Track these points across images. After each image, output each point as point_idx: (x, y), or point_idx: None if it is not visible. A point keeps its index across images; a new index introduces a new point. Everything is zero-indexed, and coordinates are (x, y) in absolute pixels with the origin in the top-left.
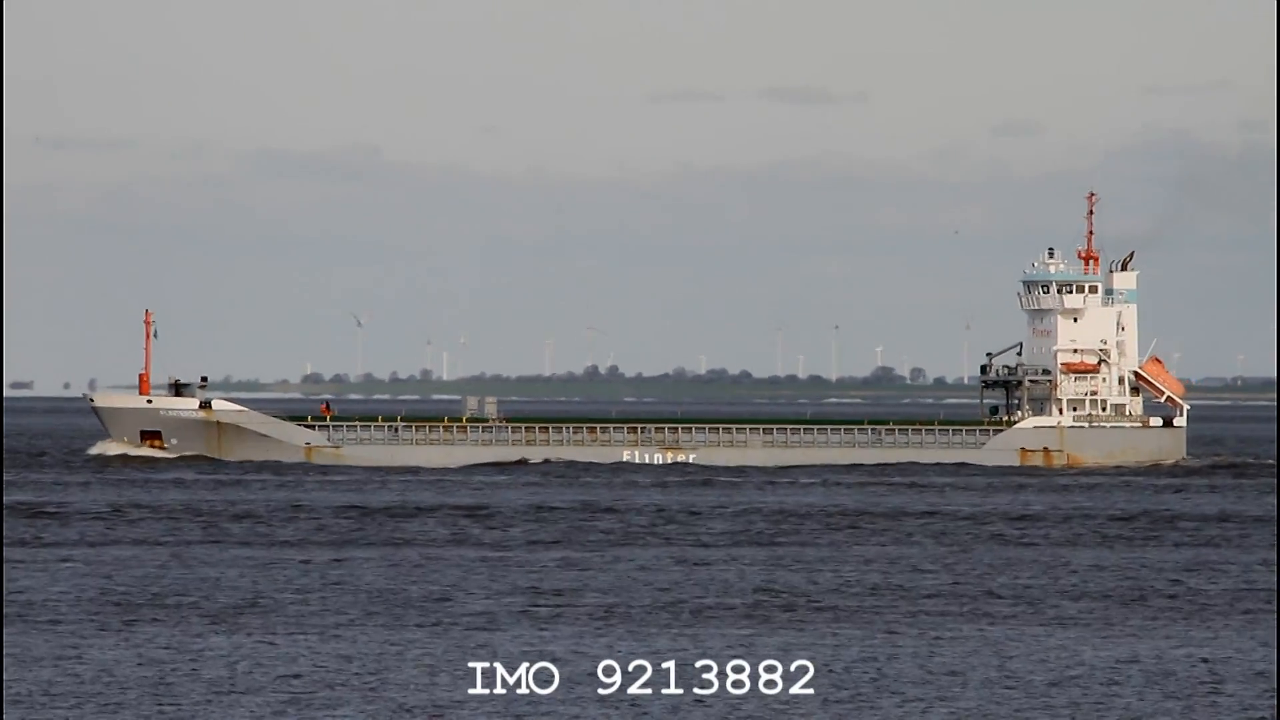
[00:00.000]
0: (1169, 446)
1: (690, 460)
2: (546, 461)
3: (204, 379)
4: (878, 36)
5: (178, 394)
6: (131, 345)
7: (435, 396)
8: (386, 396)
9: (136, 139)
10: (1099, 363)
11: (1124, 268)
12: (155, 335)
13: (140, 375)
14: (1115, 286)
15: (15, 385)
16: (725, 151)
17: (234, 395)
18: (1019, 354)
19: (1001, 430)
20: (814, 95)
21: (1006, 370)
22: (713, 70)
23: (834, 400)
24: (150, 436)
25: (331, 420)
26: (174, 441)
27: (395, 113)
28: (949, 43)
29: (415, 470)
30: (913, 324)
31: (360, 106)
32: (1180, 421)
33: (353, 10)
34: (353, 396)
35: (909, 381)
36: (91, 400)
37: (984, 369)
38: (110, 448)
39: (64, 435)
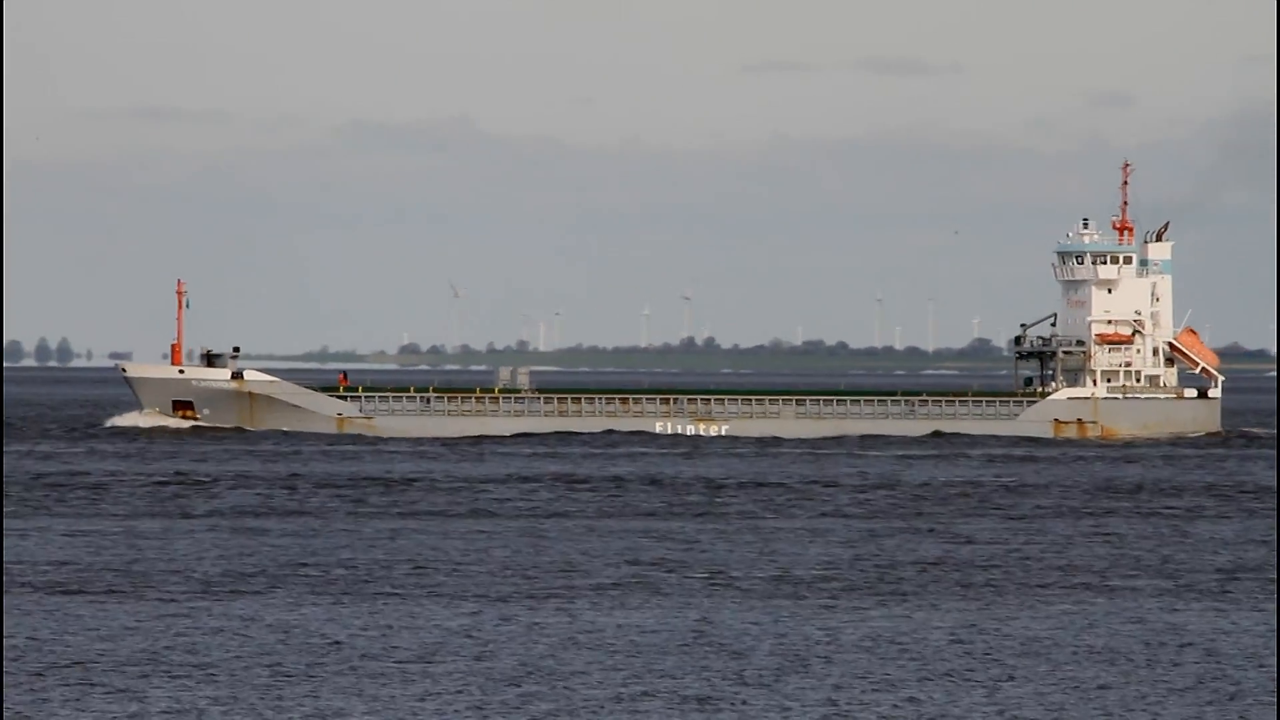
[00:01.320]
0: (1203, 418)
1: (723, 432)
2: (609, 433)
3: (236, 349)
4: (973, 6)
5: (209, 365)
6: (227, 316)
7: (533, 368)
8: (484, 367)
9: (231, 112)
10: (1133, 334)
11: (1159, 238)
12: (187, 305)
13: (172, 346)
14: (1150, 257)
15: (114, 355)
16: (820, 122)
17: (331, 366)
18: (1053, 325)
19: (1035, 401)
20: (909, 66)
21: (1041, 341)
22: (807, 41)
23: (930, 372)
24: (182, 407)
25: (364, 391)
26: (206, 412)
27: (489, 84)
28: (1044, 12)
29: (478, 439)
30: (1010, 295)
31: (454, 78)
32: (1215, 393)
33: None
34: (450, 367)
35: (1006, 353)
36: (124, 370)
37: (1018, 340)
38: (139, 419)
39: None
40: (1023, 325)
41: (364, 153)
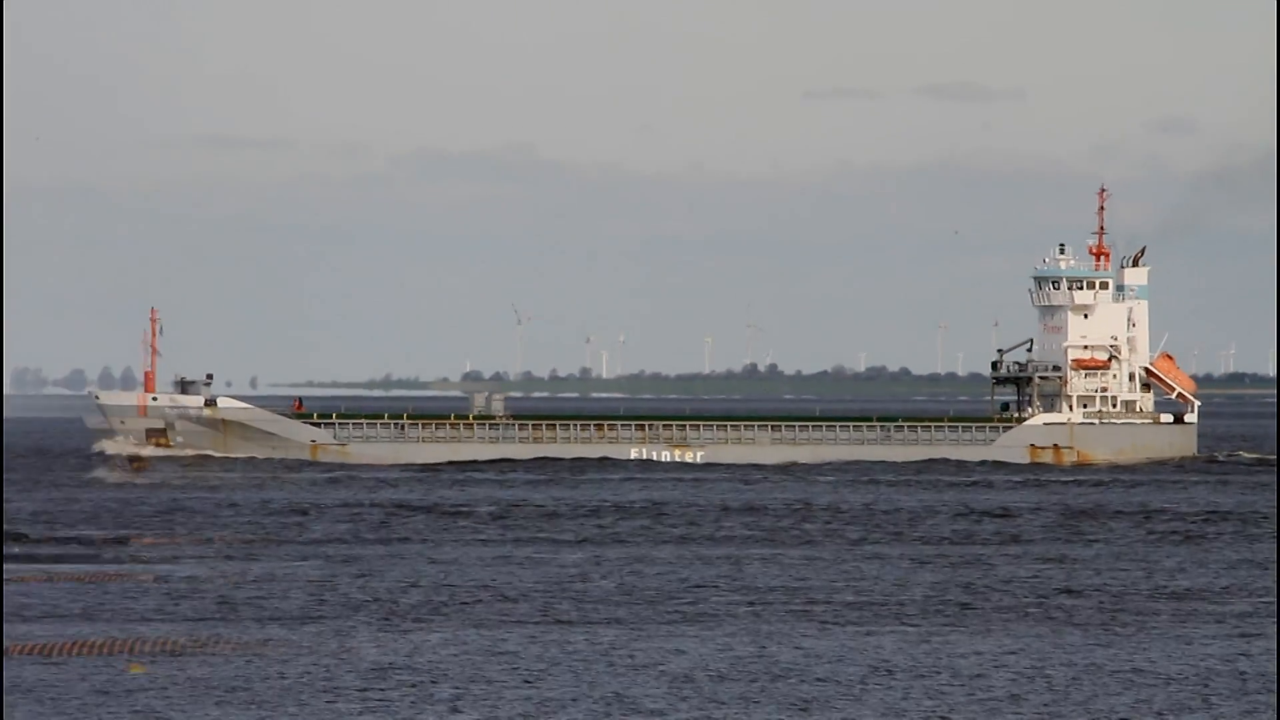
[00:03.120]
0: (1180, 443)
1: (698, 458)
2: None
3: (209, 376)
4: (1034, 32)
5: (183, 392)
6: (291, 343)
7: (595, 395)
8: (545, 394)
9: (295, 140)
10: (1109, 359)
11: (1135, 264)
12: (161, 332)
13: (145, 373)
14: (1126, 282)
15: (178, 382)
16: (882, 149)
17: (395, 394)
18: (1029, 350)
19: (1011, 427)
20: (971, 92)
21: (1017, 366)
22: (869, 68)
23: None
24: (156, 434)
25: (339, 418)
26: (180, 439)
27: (551, 112)
28: (1106, 37)
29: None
30: None
31: (517, 106)
32: (1191, 418)
33: (509, 11)
34: (513, 394)
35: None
36: (97, 397)
37: (995, 365)
38: (115, 446)
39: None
40: (999, 350)
41: (427, 181)
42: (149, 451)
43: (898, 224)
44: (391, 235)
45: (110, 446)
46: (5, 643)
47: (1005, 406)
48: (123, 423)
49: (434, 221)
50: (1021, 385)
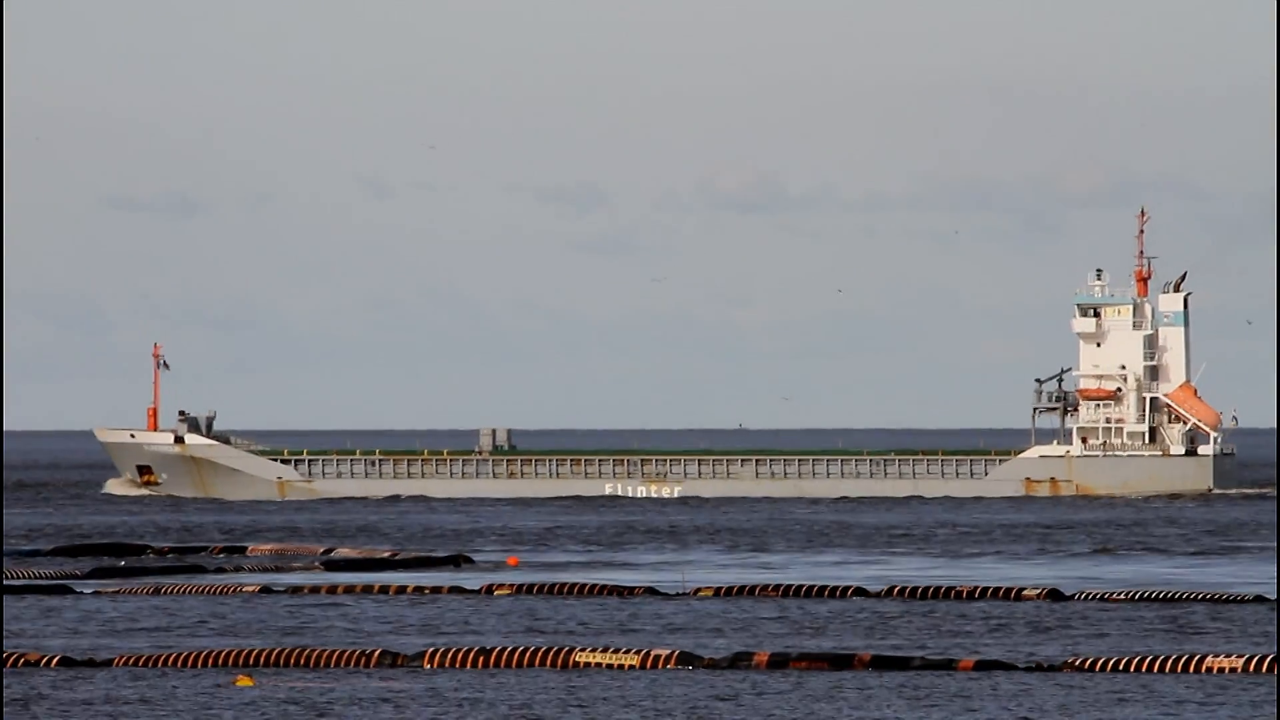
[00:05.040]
0: (1192, 476)
1: (675, 493)
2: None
3: (212, 414)
4: None
5: (192, 429)
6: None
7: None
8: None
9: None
10: (1117, 389)
11: (1176, 289)
12: (165, 367)
13: (148, 410)
14: (1161, 308)
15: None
16: None
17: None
18: (1060, 381)
19: (1007, 459)
20: None
21: (1051, 397)
22: None
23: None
24: (145, 472)
25: (308, 454)
26: (164, 477)
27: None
28: None
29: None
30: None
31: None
32: (1206, 450)
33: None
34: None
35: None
36: (97, 435)
37: (1039, 395)
38: (118, 485)
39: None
40: (1038, 380)
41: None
42: (136, 491)
43: None
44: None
45: (115, 485)
46: None
47: None
48: (120, 460)
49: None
50: (1064, 414)
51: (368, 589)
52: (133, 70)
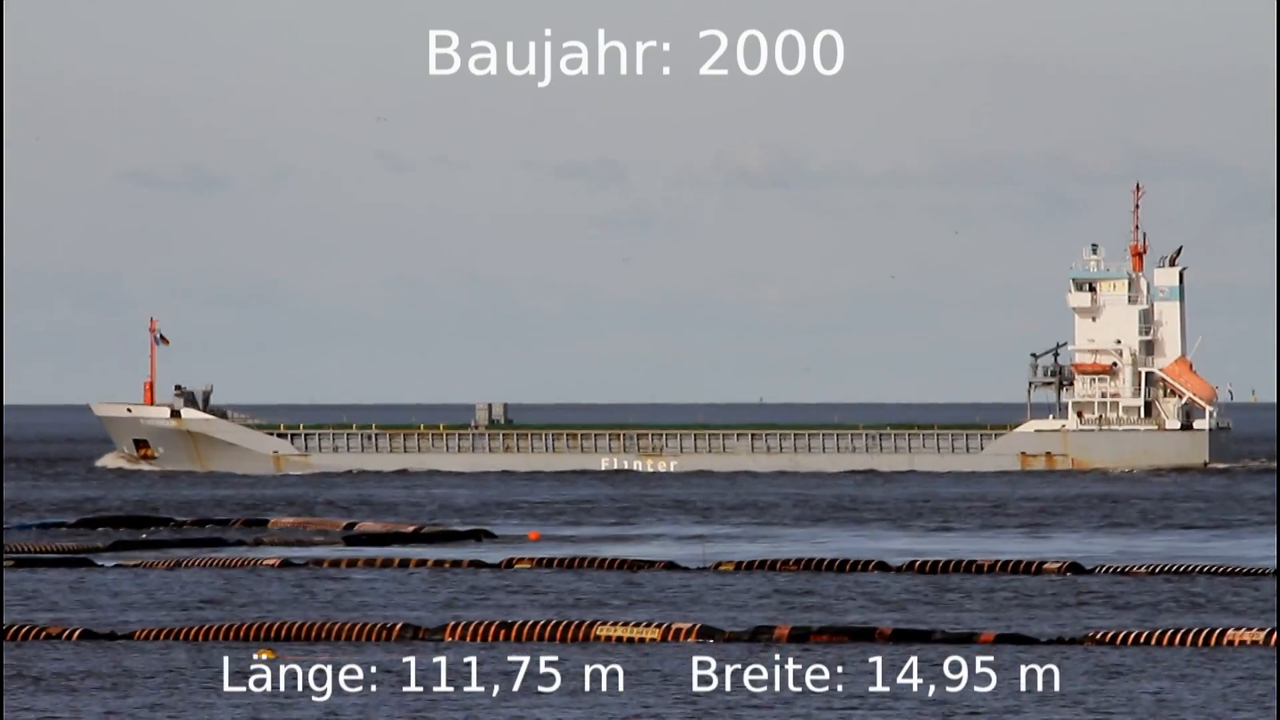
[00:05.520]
0: (1187, 450)
1: (670, 467)
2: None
3: (209, 387)
4: None
5: (188, 404)
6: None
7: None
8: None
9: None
10: (1113, 364)
11: (1171, 263)
12: (162, 341)
13: (145, 384)
14: (1156, 283)
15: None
16: None
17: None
18: (1055, 355)
19: (1002, 433)
20: None
21: (1047, 371)
22: None
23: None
24: (142, 446)
25: (304, 428)
26: (161, 451)
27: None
28: None
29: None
30: None
31: None
32: (1201, 424)
33: None
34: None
35: None
36: (93, 409)
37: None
38: (112, 459)
39: None
40: (1033, 354)
41: None
42: (132, 466)
43: None
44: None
45: (109, 460)
46: None
47: None
48: (117, 434)
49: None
50: (1059, 389)
51: (388, 562)
52: (152, 45)
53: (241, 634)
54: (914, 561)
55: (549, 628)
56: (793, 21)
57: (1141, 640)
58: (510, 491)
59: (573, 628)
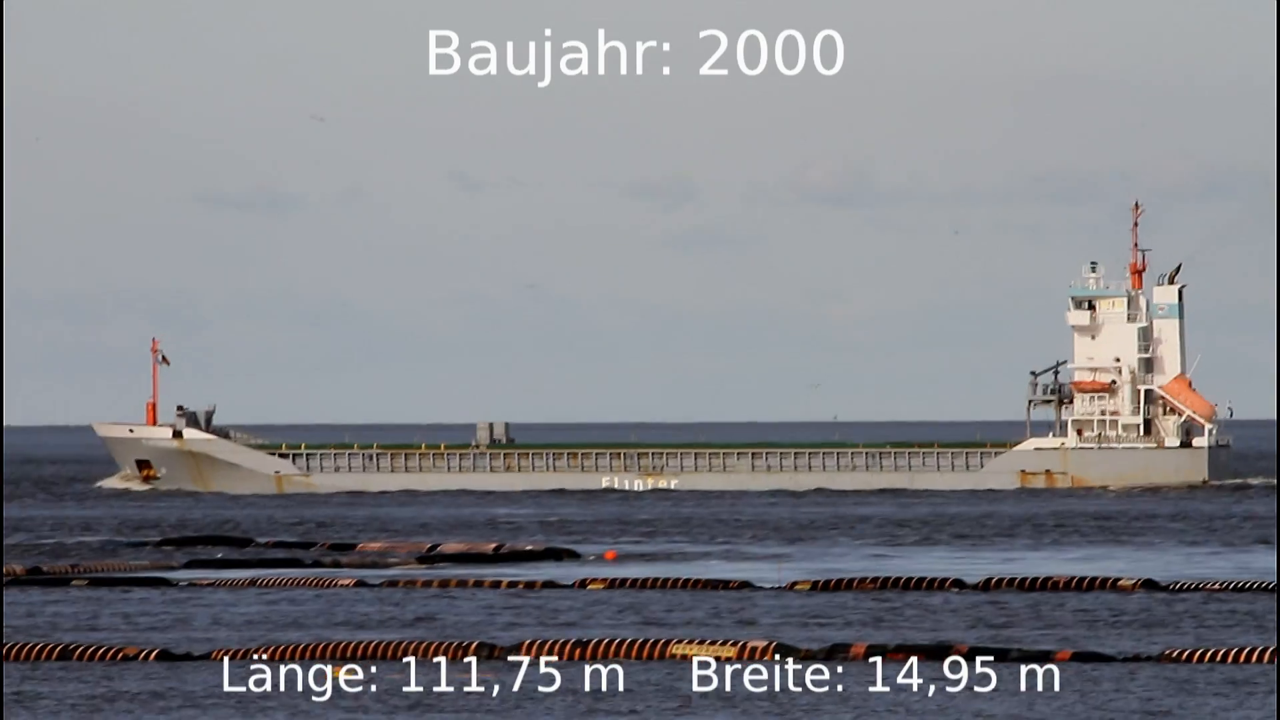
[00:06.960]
0: (1187, 468)
1: (671, 486)
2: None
3: (212, 407)
4: None
5: (190, 424)
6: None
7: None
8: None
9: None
10: (1111, 382)
11: (1171, 281)
12: (164, 362)
13: (147, 404)
14: (1156, 300)
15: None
16: None
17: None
18: (1056, 373)
19: (1001, 452)
20: None
21: (1047, 389)
22: None
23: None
24: (145, 466)
25: (306, 448)
26: (164, 471)
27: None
28: None
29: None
30: None
31: None
32: (1201, 442)
33: None
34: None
35: None
36: (96, 430)
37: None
38: (114, 481)
39: None
40: (1032, 373)
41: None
42: (137, 486)
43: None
44: None
45: (111, 481)
46: None
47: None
48: (119, 455)
49: None
50: (1059, 407)
51: (464, 582)
52: (226, 65)
53: (312, 653)
54: (990, 579)
55: (624, 645)
56: (793, 21)
57: (1219, 659)
58: (571, 510)
59: (649, 645)
